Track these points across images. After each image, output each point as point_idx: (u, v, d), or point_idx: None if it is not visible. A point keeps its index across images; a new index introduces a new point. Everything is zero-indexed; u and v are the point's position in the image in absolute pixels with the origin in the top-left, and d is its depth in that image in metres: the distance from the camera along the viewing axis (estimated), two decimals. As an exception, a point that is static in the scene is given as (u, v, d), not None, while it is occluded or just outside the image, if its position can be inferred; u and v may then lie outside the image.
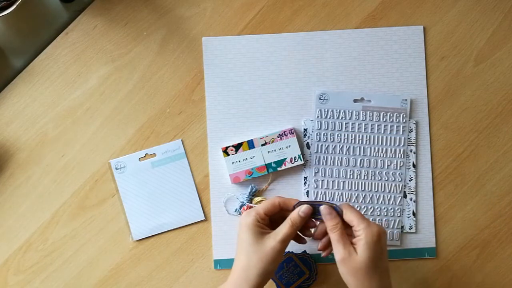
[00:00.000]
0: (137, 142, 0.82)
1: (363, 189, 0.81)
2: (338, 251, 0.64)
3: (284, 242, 0.66)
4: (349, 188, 0.81)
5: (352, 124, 0.81)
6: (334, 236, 0.65)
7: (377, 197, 0.81)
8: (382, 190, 0.81)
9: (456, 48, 0.83)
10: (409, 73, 0.83)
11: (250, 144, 0.80)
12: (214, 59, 0.83)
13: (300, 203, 0.68)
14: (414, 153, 0.81)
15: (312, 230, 0.71)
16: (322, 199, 0.80)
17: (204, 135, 0.82)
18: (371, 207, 0.80)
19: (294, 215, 0.67)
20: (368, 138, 0.81)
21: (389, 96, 0.82)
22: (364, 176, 0.81)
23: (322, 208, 0.67)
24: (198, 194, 0.81)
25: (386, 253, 0.66)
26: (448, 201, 0.81)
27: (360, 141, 0.81)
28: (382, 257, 0.65)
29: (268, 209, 0.68)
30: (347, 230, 0.67)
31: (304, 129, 0.82)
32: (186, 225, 0.81)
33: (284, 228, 0.67)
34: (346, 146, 0.81)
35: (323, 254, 0.70)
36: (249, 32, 0.83)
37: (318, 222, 0.70)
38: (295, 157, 0.80)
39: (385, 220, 0.80)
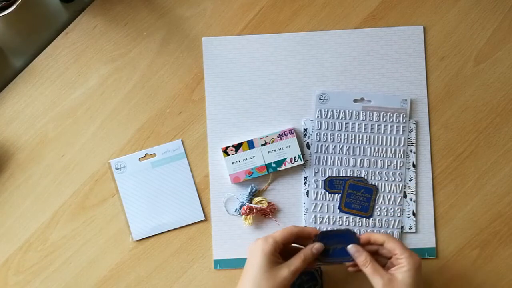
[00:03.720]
0: (137, 142, 0.82)
1: (363, 189, 0.81)
2: (377, 281, 0.67)
3: (295, 274, 0.68)
4: (349, 188, 0.81)
5: (352, 124, 0.81)
6: (368, 270, 0.69)
7: (377, 197, 0.81)
8: (382, 190, 0.81)
9: (456, 48, 0.83)
10: (409, 73, 0.83)
11: (250, 144, 0.80)
12: (214, 59, 0.83)
13: (321, 233, 0.71)
14: (414, 153, 0.81)
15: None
16: (322, 199, 0.80)
17: (204, 135, 0.82)
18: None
19: (307, 251, 0.70)
20: (368, 138, 0.81)
21: (389, 96, 0.82)
22: (364, 176, 0.81)
23: (350, 247, 0.70)
24: (198, 194, 0.81)
25: (422, 282, 0.69)
26: (448, 201, 0.81)
27: (360, 141, 0.81)
28: (421, 284, 0.68)
29: (286, 238, 0.70)
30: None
31: (304, 129, 0.81)
32: (186, 225, 0.81)
33: (296, 261, 0.69)
34: (346, 146, 0.81)
35: (352, 270, 0.73)
36: (249, 32, 0.83)
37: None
38: (295, 157, 0.80)
39: (385, 220, 0.80)
